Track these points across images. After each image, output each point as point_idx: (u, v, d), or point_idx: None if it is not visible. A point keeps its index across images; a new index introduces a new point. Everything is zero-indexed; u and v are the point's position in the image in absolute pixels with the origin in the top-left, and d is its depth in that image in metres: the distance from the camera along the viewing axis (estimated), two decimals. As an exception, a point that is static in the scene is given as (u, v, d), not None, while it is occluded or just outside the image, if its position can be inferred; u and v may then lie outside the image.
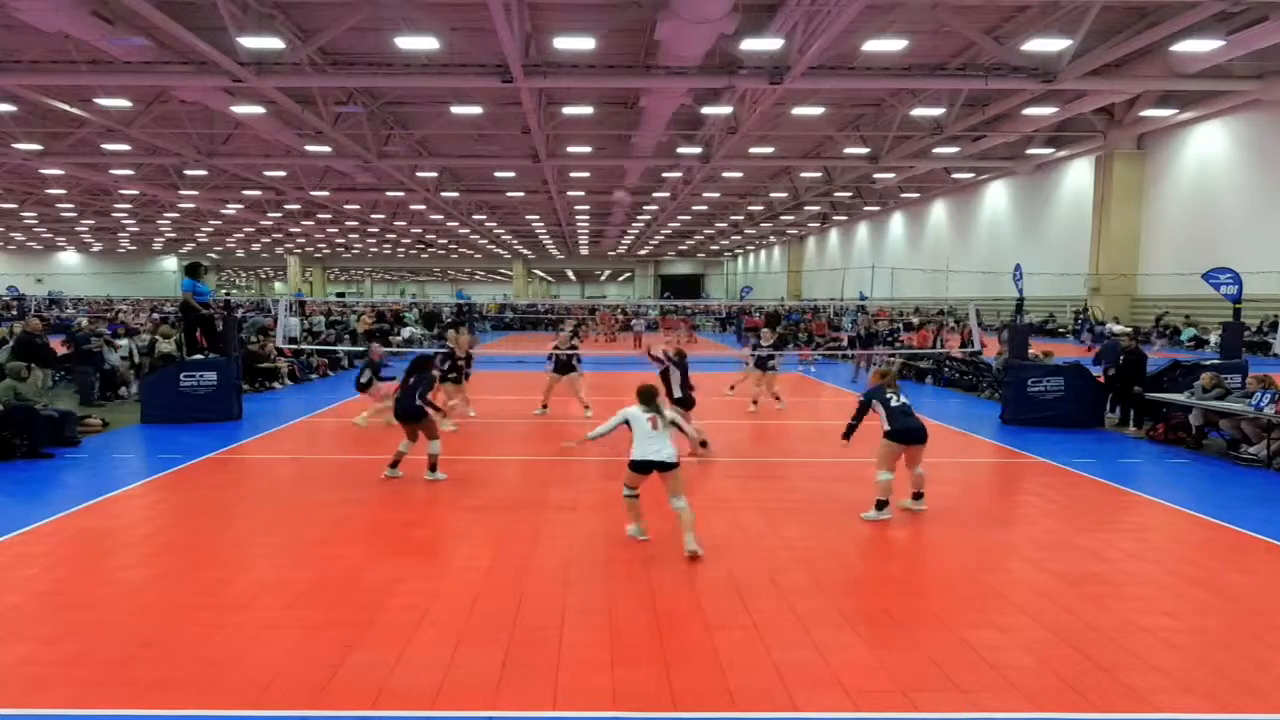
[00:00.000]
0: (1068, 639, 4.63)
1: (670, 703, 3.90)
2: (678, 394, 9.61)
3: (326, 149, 27.64)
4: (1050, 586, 5.47)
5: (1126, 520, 7.18)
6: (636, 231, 61.12)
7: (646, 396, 6.16)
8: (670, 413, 6.25)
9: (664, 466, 5.98)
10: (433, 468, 8.26)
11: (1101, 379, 12.33)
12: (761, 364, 13.59)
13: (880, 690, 4.04)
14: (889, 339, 21.44)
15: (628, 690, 4.00)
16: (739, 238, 66.16)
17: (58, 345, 15.91)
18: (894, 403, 7.03)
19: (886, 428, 6.97)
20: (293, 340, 19.30)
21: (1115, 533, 6.73)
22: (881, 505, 7.01)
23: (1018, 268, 15.86)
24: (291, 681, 4.06)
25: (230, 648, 4.44)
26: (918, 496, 7.29)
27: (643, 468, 6.06)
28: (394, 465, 8.37)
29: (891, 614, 4.98)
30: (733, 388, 15.15)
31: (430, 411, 8.32)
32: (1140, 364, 11.56)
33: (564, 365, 12.68)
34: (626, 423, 6.12)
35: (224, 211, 46.04)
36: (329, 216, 49.47)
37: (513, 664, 4.28)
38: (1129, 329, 21.76)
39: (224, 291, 66.79)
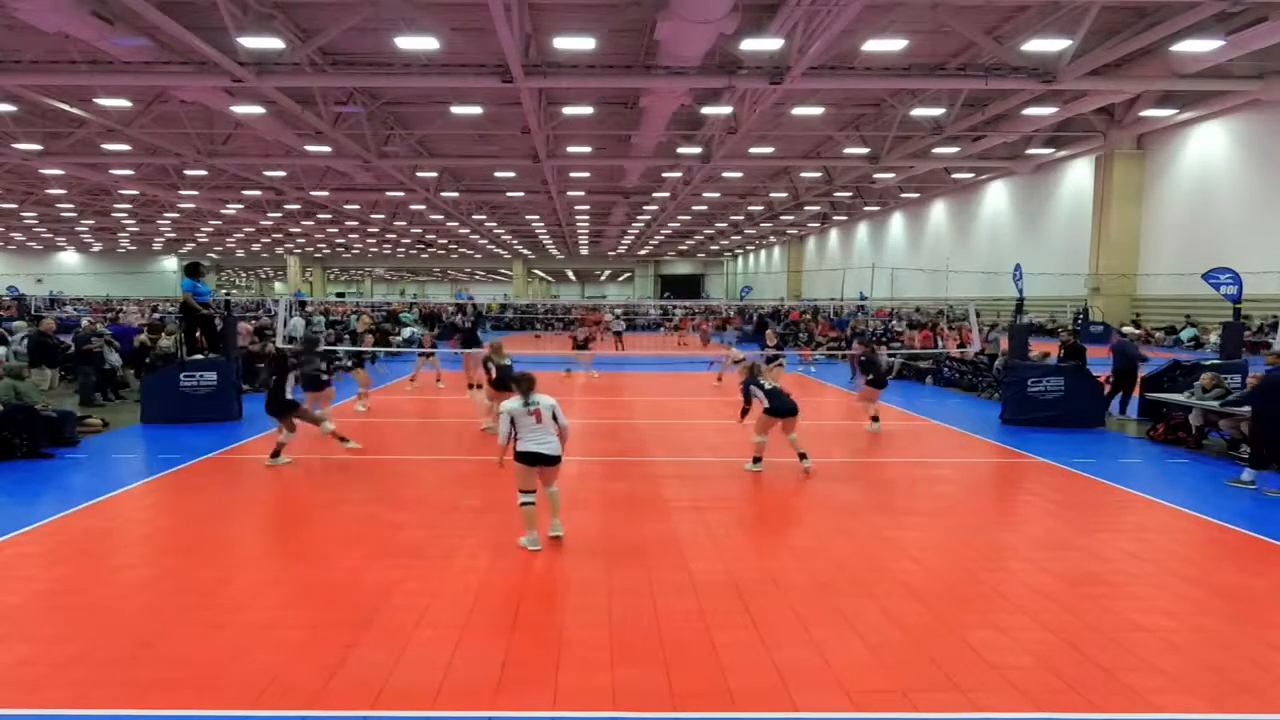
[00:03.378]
0: (1068, 639, 4.63)
1: (670, 703, 3.90)
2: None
3: (326, 149, 27.63)
4: (1050, 586, 5.47)
5: (1126, 520, 7.18)
6: (636, 231, 61.11)
7: (525, 387, 6.12)
8: (547, 399, 6.15)
9: (549, 460, 6.04)
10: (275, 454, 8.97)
11: (1102, 379, 12.37)
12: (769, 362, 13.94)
13: (880, 690, 4.04)
14: (885, 339, 21.43)
15: (628, 690, 4.00)
16: (739, 238, 66.13)
17: (61, 344, 15.95)
18: (768, 386, 8.82)
19: (766, 405, 8.68)
20: (293, 340, 19.27)
21: (1115, 533, 6.73)
22: (758, 460, 8.83)
23: (1018, 268, 15.86)
24: (291, 681, 4.06)
25: (230, 648, 4.44)
26: (802, 456, 8.78)
27: (529, 459, 6.02)
28: (275, 455, 8.95)
29: (891, 614, 4.98)
30: (720, 379, 16.14)
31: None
32: (1079, 354, 12.53)
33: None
34: (511, 420, 6.08)
35: (224, 211, 46.02)
36: (329, 216, 49.45)
37: (513, 664, 4.28)
38: (1137, 330, 21.74)
39: (224, 291, 66.77)
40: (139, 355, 15.77)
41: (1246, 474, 8.26)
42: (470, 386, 14.63)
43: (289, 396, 8.97)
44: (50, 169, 31.69)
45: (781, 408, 8.68)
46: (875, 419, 11.42)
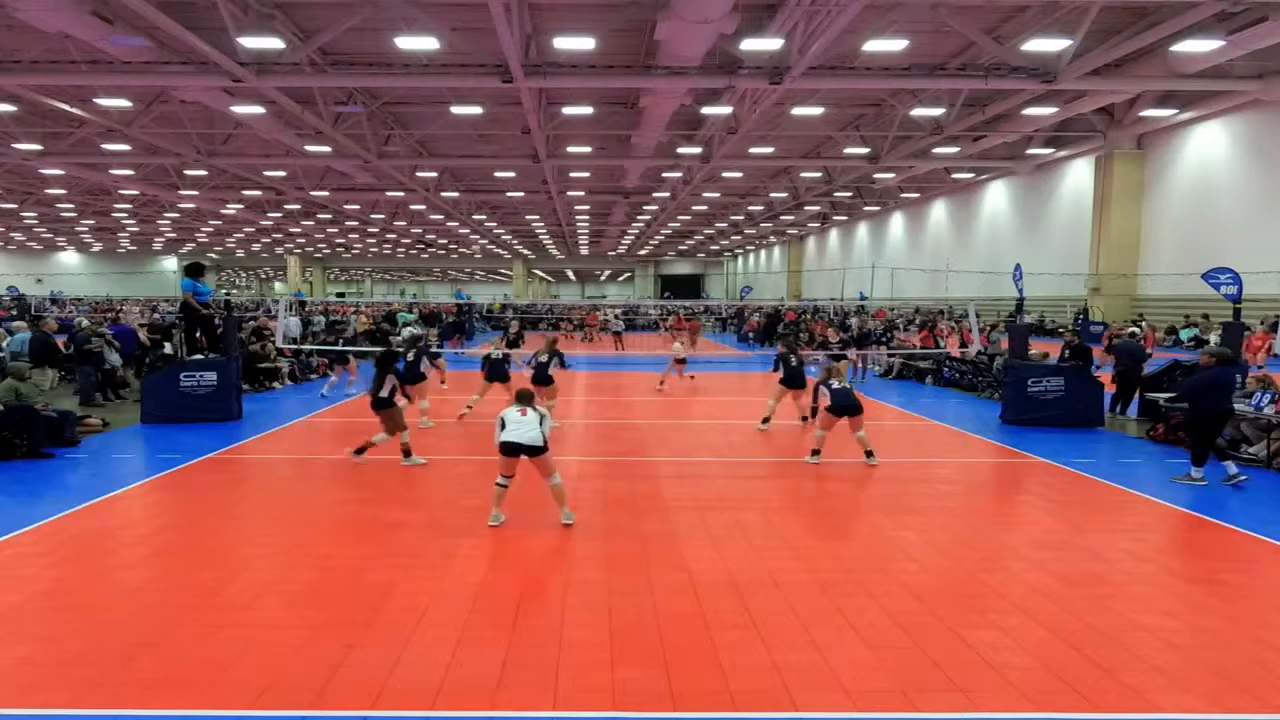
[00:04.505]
0: (1068, 639, 4.63)
1: (670, 703, 3.90)
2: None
3: (326, 149, 27.63)
4: (1050, 586, 5.47)
5: (1126, 520, 7.18)
6: (636, 231, 61.11)
7: (523, 398, 6.76)
8: (539, 409, 6.73)
9: (530, 450, 6.50)
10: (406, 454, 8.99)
11: (1105, 379, 12.39)
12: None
13: (880, 690, 4.04)
14: (883, 339, 21.42)
15: (628, 690, 4.00)
16: (739, 238, 66.15)
17: (60, 344, 15.96)
18: (836, 386, 9.21)
19: (829, 404, 9.16)
20: (293, 340, 19.28)
21: (1115, 533, 6.73)
22: (816, 453, 9.32)
23: (1018, 268, 15.87)
24: (291, 681, 4.06)
25: (230, 648, 4.44)
26: (869, 454, 9.22)
27: (509, 449, 6.52)
28: (359, 451, 8.90)
29: (891, 614, 4.98)
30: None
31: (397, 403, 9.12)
32: (1085, 355, 12.65)
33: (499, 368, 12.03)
34: (502, 421, 6.63)
35: (224, 211, 46.03)
36: (329, 216, 49.46)
37: (513, 664, 4.28)
38: (1137, 330, 21.71)
39: (224, 291, 66.77)
40: (140, 354, 15.78)
41: (1195, 472, 8.30)
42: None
43: (383, 394, 8.93)
44: (50, 169, 31.70)
45: (844, 406, 9.09)
46: (805, 418, 11.59)
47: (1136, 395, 12.42)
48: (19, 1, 14.07)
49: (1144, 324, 24.74)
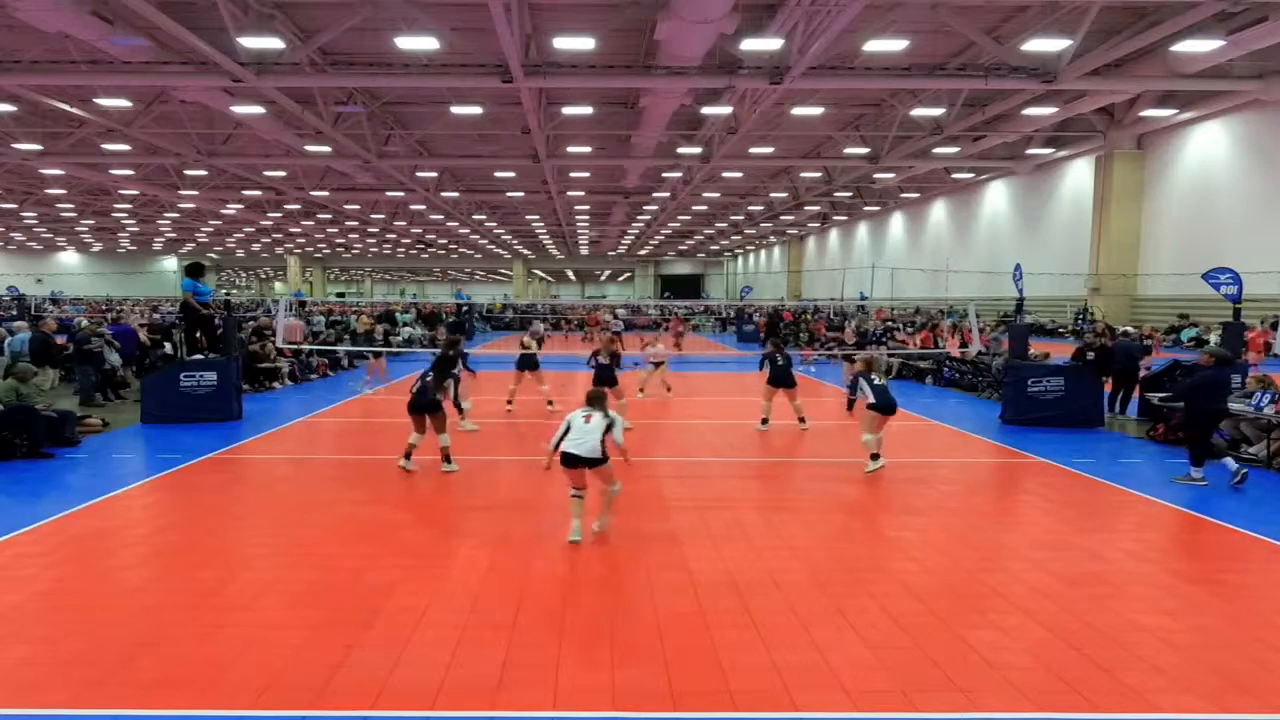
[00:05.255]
0: (1068, 639, 4.63)
1: (670, 703, 3.90)
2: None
3: (326, 149, 27.63)
4: (1050, 586, 5.47)
5: (1126, 520, 7.18)
6: (636, 231, 61.11)
7: (593, 400, 6.43)
8: (610, 414, 6.36)
9: (588, 462, 6.17)
10: (446, 459, 8.68)
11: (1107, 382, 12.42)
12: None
13: (880, 690, 4.04)
14: (883, 339, 21.43)
15: (628, 690, 4.00)
16: (739, 238, 66.16)
17: (60, 344, 15.96)
18: (877, 382, 8.90)
19: (870, 400, 8.82)
20: (292, 340, 19.27)
21: (1115, 533, 6.73)
22: (876, 457, 8.87)
23: (1018, 268, 15.86)
24: (291, 681, 4.06)
25: (230, 648, 4.44)
26: (874, 457, 8.94)
27: (568, 460, 6.21)
28: (407, 456, 8.69)
29: (891, 614, 4.98)
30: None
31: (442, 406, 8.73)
32: (1121, 359, 12.33)
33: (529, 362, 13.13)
34: (567, 425, 6.32)
35: (224, 211, 46.04)
36: (329, 216, 49.47)
37: (513, 664, 4.28)
38: (1136, 330, 21.73)
39: (224, 291, 66.79)
40: (140, 354, 15.78)
41: (1195, 472, 8.31)
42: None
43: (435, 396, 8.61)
44: (50, 169, 31.71)
45: (887, 404, 8.82)
46: (801, 419, 11.51)
47: (1136, 395, 12.42)
48: (19, 1, 14.07)
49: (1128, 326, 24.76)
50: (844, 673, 4.20)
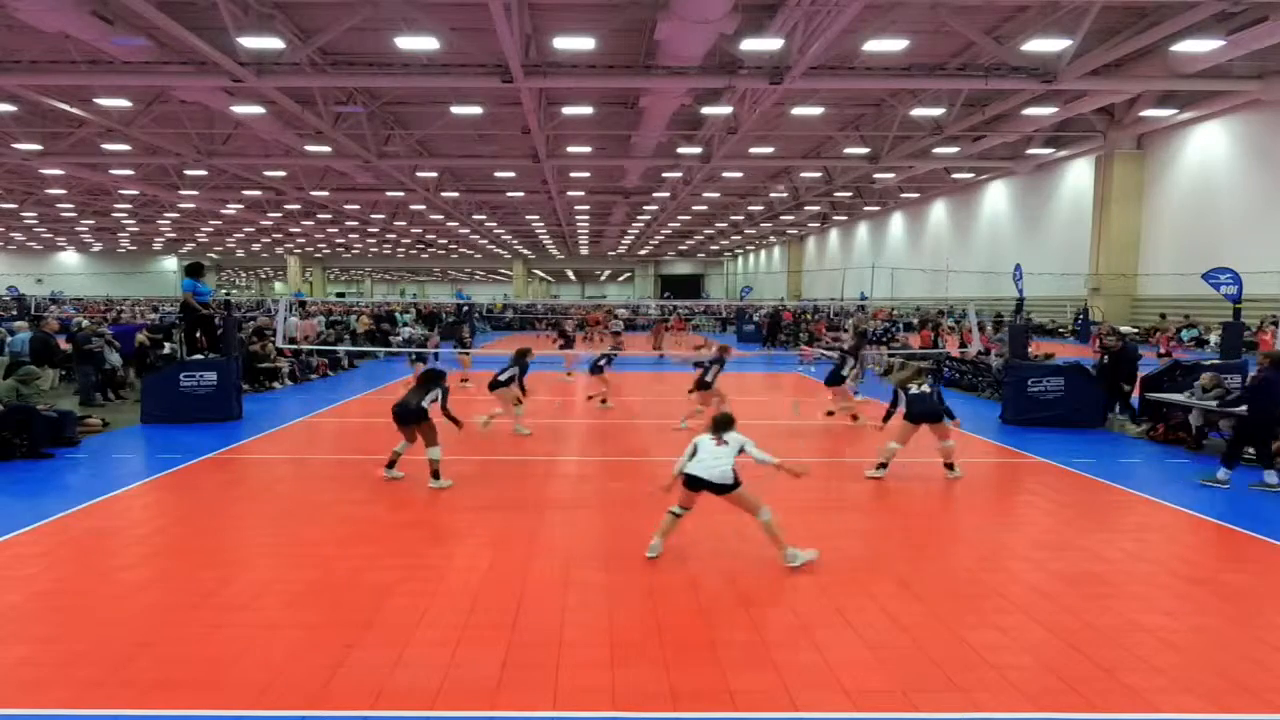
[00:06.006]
0: (1068, 639, 4.63)
1: (670, 703, 3.90)
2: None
3: (326, 149, 27.63)
4: (1050, 586, 5.47)
5: (1126, 520, 7.18)
6: (636, 231, 61.11)
7: (720, 424, 5.98)
8: (740, 437, 5.93)
9: (716, 488, 5.74)
10: (435, 475, 8.06)
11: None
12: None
13: (880, 690, 4.04)
14: (882, 339, 21.43)
15: (628, 690, 4.00)
16: (739, 238, 66.15)
17: (60, 344, 15.95)
18: (913, 391, 8.47)
19: (905, 411, 8.41)
20: (293, 340, 19.28)
21: (1115, 533, 6.73)
22: (882, 466, 8.65)
23: (1018, 268, 15.86)
24: (291, 681, 4.06)
25: (230, 648, 4.44)
26: (949, 467, 8.68)
27: (693, 483, 5.82)
28: (390, 465, 8.43)
29: (891, 614, 4.98)
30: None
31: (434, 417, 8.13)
32: (1129, 361, 11.88)
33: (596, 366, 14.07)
34: (694, 447, 5.93)
35: (224, 211, 46.03)
36: (329, 216, 49.46)
37: (513, 664, 4.28)
38: (1113, 330, 21.74)
39: (224, 291, 66.77)
40: (140, 354, 15.77)
41: (1222, 473, 8.30)
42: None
43: (423, 404, 8.06)
44: (50, 169, 31.69)
45: (922, 412, 8.33)
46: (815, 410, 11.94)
47: (1136, 395, 12.41)
48: (19, 1, 14.07)
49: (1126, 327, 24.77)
50: (844, 673, 4.20)
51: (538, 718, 3.79)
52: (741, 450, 5.86)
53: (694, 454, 5.87)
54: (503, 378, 10.79)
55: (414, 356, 11.30)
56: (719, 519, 7.01)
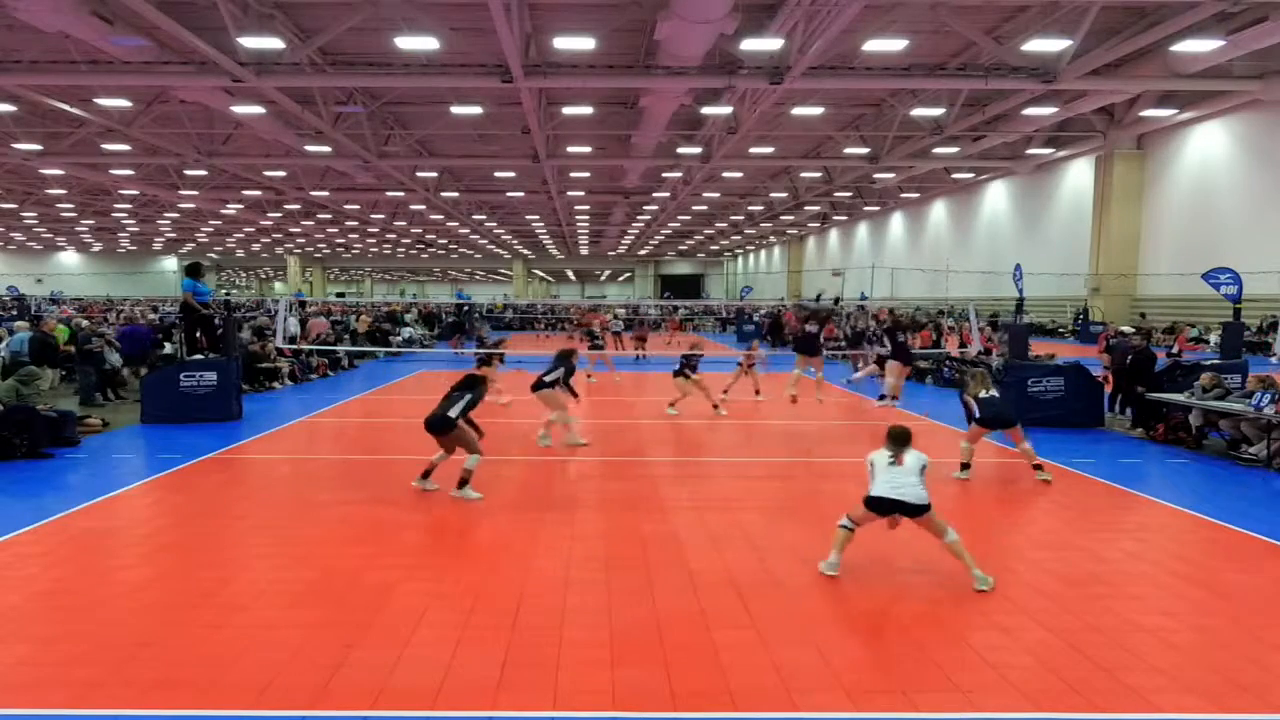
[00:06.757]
0: (1068, 639, 4.63)
1: (670, 703, 3.89)
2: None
3: (326, 149, 27.64)
4: (1050, 587, 5.46)
5: (1126, 520, 7.18)
6: (636, 231, 61.11)
7: (896, 439, 5.66)
8: (917, 454, 5.64)
9: (910, 510, 5.37)
10: (461, 483, 7.64)
11: (1103, 378, 12.37)
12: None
13: (880, 690, 4.04)
14: (883, 339, 21.38)
15: (628, 690, 4.00)
16: (739, 238, 66.15)
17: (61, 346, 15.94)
18: (983, 395, 8.44)
19: (977, 415, 8.39)
20: (293, 340, 19.29)
21: (1115, 533, 6.73)
22: (965, 467, 8.57)
23: (1018, 268, 15.85)
24: (291, 681, 4.06)
25: (230, 648, 4.44)
26: (1038, 468, 8.52)
27: (881, 505, 5.43)
28: (425, 475, 7.96)
29: (891, 614, 4.98)
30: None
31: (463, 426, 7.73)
32: (1148, 364, 11.59)
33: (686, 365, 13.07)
34: (871, 465, 5.65)
35: (224, 211, 46.04)
36: (329, 216, 49.47)
37: (513, 664, 4.27)
38: (1137, 330, 21.71)
39: (224, 291, 66.78)
40: (139, 354, 15.78)
41: None
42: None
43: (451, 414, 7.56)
44: (50, 169, 31.70)
45: (995, 416, 8.23)
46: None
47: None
48: (19, 1, 14.07)
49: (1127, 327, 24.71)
50: (844, 673, 4.19)
51: (538, 718, 3.78)
52: (924, 469, 5.49)
53: (874, 473, 5.52)
54: (548, 379, 10.16)
55: (480, 359, 9.53)
56: (716, 518, 7.02)
